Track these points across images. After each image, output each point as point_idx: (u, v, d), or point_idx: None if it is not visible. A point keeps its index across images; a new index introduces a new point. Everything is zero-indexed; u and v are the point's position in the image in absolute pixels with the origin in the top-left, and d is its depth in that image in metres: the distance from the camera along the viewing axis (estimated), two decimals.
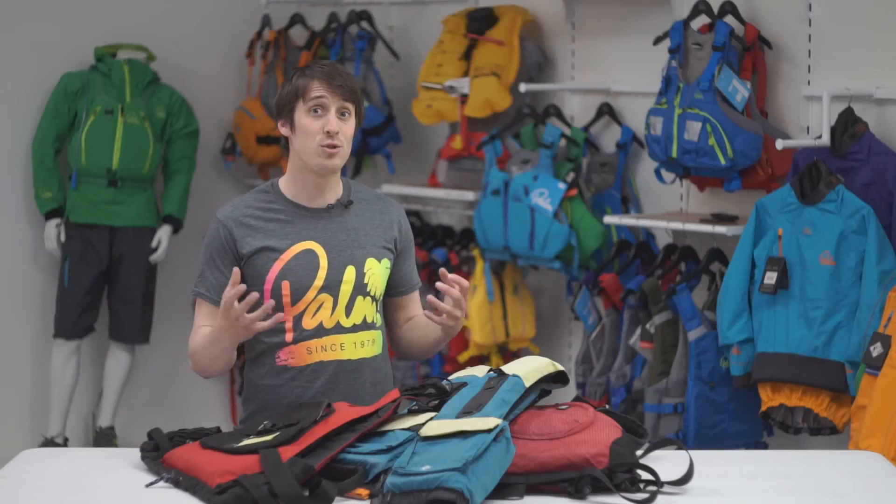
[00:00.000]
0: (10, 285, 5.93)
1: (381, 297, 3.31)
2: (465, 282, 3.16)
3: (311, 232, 3.24)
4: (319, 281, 3.21)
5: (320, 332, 3.22)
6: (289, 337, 3.21)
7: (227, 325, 3.06)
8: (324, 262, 3.22)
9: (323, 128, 3.18)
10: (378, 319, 3.30)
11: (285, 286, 3.19)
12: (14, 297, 5.94)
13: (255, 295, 3.04)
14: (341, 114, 3.21)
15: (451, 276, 3.15)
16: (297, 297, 3.20)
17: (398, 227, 3.34)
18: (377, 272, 3.27)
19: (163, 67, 6.03)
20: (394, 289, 3.36)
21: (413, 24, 6.04)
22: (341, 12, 6.03)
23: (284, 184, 3.29)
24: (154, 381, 6.30)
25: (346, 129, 3.21)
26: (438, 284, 3.16)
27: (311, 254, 3.22)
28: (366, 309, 3.25)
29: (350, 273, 3.23)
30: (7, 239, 5.91)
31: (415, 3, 6.00)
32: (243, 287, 3.03)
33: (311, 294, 3.20)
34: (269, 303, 3.04)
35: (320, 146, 3.18)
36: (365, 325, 3.26)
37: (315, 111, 3.19)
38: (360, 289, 3.24)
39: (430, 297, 3.18)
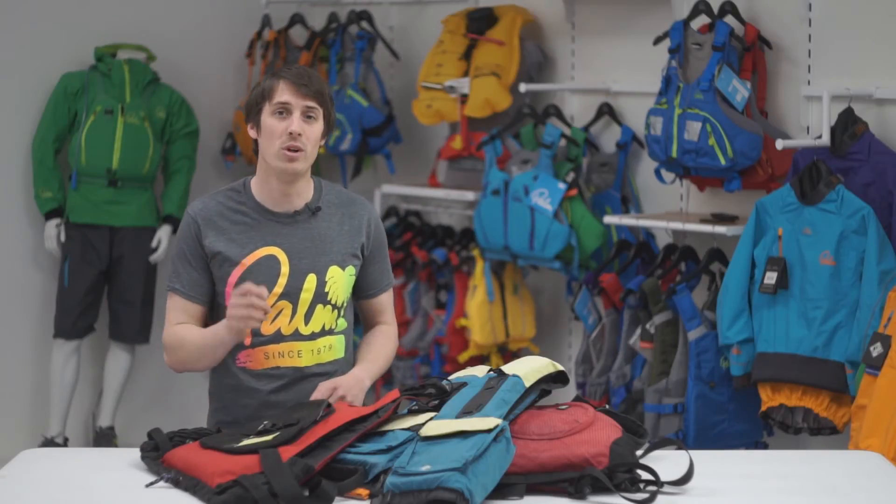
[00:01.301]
0: (10, 285, 5.93)
1: (345, 303, 3.30)
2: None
3: (276, 237, 3.24)
4: (279, 288, 3.21)
5: (278, 338, 3.23)
6: (247, 340, 3.23)
7: (232, 326, 3.10)
8: (285, 268, 3.22)
9: (286, 129, 3.17)
10: (341, 324, 3.30)
11: None
12: (14, 297, 5.94)
13: (264, 290, 3.07)
14: (307, 116, 3.19)
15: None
16: None
17: (367, 230, 3.32)
18: (340, 280, 3.26)
19: (163, 67, 6.02)
20: (363, 291, 3.36)
21: (413, 24, 6.04)
22: (341, 12, 6.03)
23: (255, 185, 3.29)
24: (154, 381, 6.30)
25: (311, 132, 3.20)
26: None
27: (273, 259, 3.23)
28: (325, 317, 3.26)
29: (311, 281, 3.23)
30: (7, 239, 5.91)
31: (415, 3, 6.00)
32: (264, 293, 3.06)
33: (270, 301, 3.18)
34: (266, 301, 3.07)
35: (282, 149, 3.17)
36: (323, 332, 3.27)
37: (280, 113, 3.19)
38: (320, 297, 3.24)
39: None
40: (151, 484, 2.81)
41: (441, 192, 5.57)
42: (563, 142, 5.09)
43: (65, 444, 5.86)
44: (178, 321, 3.25)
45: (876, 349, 3.92)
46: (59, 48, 5.90)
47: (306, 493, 2.65)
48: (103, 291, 5.91)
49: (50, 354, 5.86)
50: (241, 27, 6.31)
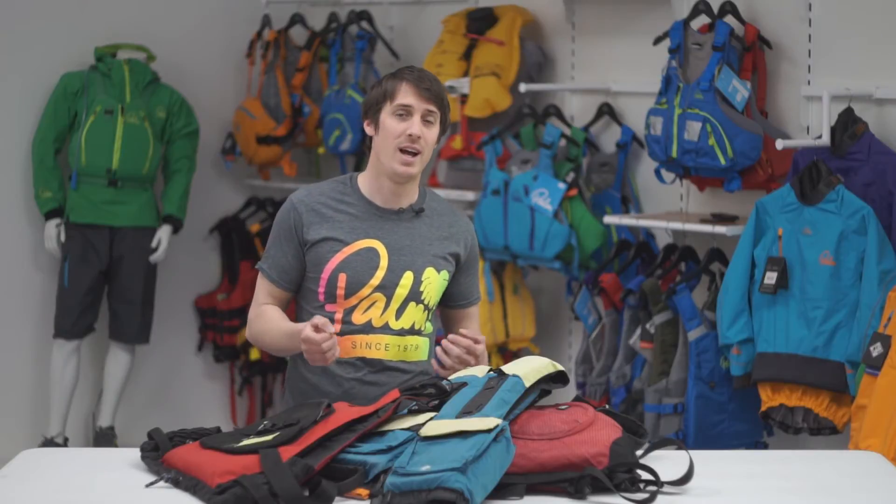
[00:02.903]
0: (10, 285, 5.93)
1: (434, 307, 3.35)
2: (479, 337, 3.16)
3: (378, 231, 3.29)
4: (376, 280, 3.27)
5: (368, 329, 3.28)
6: (336, 328, 3.26)
7: (300, 345, 3.15)
8: (384, 262, 3.27)
9: (406, 130, 3.23)
10: (428, 328, 3.35)
11: (342, 278, 3.26)
12: (14, 297, 5.94)
13: (336, 339, 3.12)
14: (425, 120, 3.25)
15: (468, 335, 3.16)
16: (351, 291, 3.26)
17: (464, 242, 3.38)
18: (434, 282, 3.32)
19: (163, 67, 6.02)
20: (451, 301, 3.41)
21: (413, 24, 6.04)
22: (341, 12, 6.03)
23: (362, 180, 3.35)
24: (154, 381, 6.30)
25: (429, 136, 3.26)
26: (450, 336, 3.18)
27: (372, 252, 3.28)
28: (416, 315, 3.30)
29: (408, 278, 3.28)
30: (7, 239, 5.91)
31: (415, 3, 6.00)
32: (332, 332, 3.11)
33: (365, 291, 3.26)
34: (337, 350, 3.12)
35: (398, 149, 3.23)
36: (412, 331, 3.31)
37: (400, 115, 3.24)
38: (414, 295, 3.29)
39: (438, 350, 3.19)
40: (151, 484, 2.81)
41: (441, 192, 5.55)
42: (563, 142, 5.09)
43: (65, 444, 5.85)
44: (264, 301, 3.34)
45: (876, 349, 3.92)
46: (59, 48, 5.90)
47: (306, 493, 2.65)
48: (103, 291, 5.91)
49: (50, 354, 5.86)
50: (241, 27, 6.31)
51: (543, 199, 4.98)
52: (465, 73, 5.38)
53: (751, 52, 4.53)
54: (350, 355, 3.28)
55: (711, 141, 4.41)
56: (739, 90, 4.44)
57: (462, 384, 2.90)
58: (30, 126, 5.86)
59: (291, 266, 3.31)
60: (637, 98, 5.05)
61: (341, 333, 3.28)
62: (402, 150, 3.24)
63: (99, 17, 6.02)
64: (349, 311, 3.28)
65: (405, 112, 3.24)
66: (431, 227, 3.34)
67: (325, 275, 3.27)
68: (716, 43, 4.48)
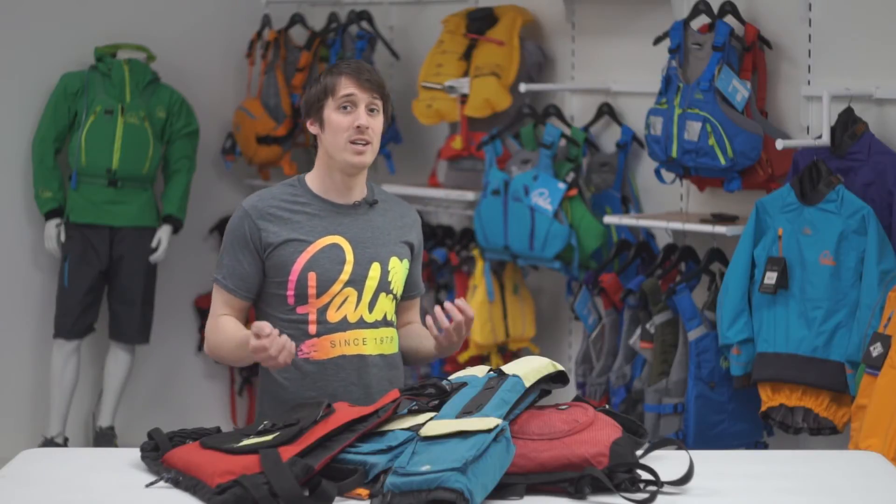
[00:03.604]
0: (10, 285, 5.93)
1: (399, 296, 3.35)
2: (470, 312, 3.21)
3: (338, 227, 3.28)
4: (345, 275, 3.25)
5: (344, 325, 3.26)
6: (312, 329, 3.24)
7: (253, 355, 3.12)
8: (350, 256, 3.26)
9: (353, 123, 3.22)
10: (395, 318, 3.35)
11: (311, 277, 3.23)
12: (14, 297, 5.94)
13: (285, 338, 3.09)
14: (370, 110, 3.25)
15: (459, 303, 3.19)
16: (322, 289, 3.23)
17: (415, 232, 3.40)
18: (399, 271, 3.32)
19: (163, 67, 6.03)
20: (406, 292, 3.40)
21: (413, 24, 6.04)
22: (341, 12, 6.04)
23: (311, 180, 3.33)
24: (154, 381, 6.30)
25: (376, 125, 3.25)
26: (447, 304, 3.20)
27: (337, 248, 3.26)
28: (387, 306, 3.30)
29: (375, 269, 3.27)
30: (7, 239, 5.91)
31: (415, 3, 6.01)
32: (274, 335, 3.07)
33: (336, 287, 3.24)
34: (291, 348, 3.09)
35: (349, 142, 3.22)
36: (385, 322, 3.30)
37: (345, 108, 3.24)
38: (383, 286, 3.28)
39: (438, 310, 3.21)
40: (151, 484, 2.81)
41: (441, 192, 5.57)
42: (563, 142, 5.09)
43: (65, 444, 5.86)
44: (221, 313, 3.29)
45: (876, 349, 3.92)
46: (59, 48, 5.91)
47: (306, 493, 2.65)
48: (103, 291, 5.91)
49: (50, 354, 5.86)
50: (241, 27, 6.32)
51: (543, 199, 4.98)
52: (465, 73, 5.38)
53: (751, 52, 4.53)
54: (330, 355, 3.25)
55: (711, 141, 4.41)
56: (739, 90, 4.44)
57: (462, 384, 2.90)
58: (30, 126, 5.86)
59: (248, 274, 3.26)
60: (637, 98, 5.05)
61: (318, 334, 3.24)
62: (353, 142, 3.22)
63: (99, 17, 6.02)
64: (323, 311, 3.24)
65: (350, 104, 3.23)
66: (387, 217, 3.33)
67: (294, 276, 3.23)
68: (716, 43, 4.48)
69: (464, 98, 5.34)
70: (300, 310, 3.24)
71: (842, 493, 2.81)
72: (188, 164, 6.00)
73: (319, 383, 3.24)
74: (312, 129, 3.29)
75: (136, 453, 2.97)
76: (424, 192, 5.68)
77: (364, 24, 5.88)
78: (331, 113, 3.24)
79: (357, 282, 3.25)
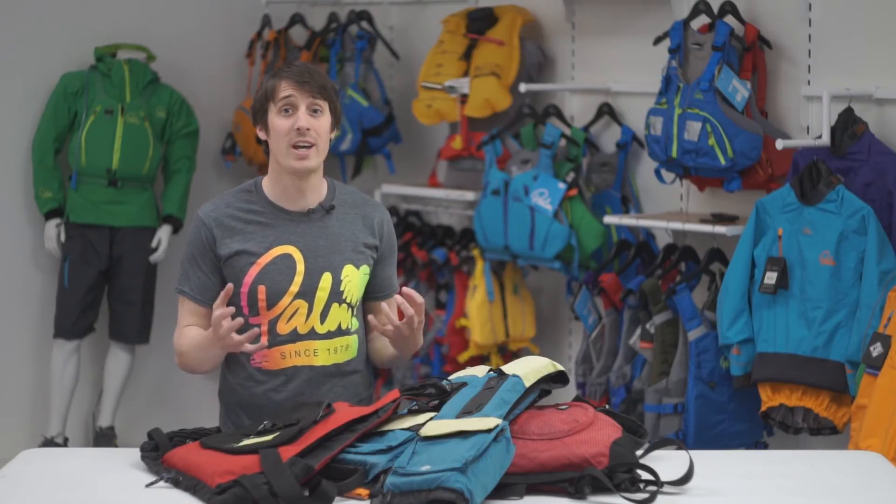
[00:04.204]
0: (10, 285, 5.93)
1: (358, 303, 3.31)
2: (419, 298, 3.15)
3: (291, 236, 3.24)
4: (295, 287, 3.21)
5: (294, 337, 3.23)
6: (263, 340, 3.22)
7: (216, 339, 3.09)
8: (301, 267, 3.22)
9: (293, 125, 3.17)
10: (354, 324, 3.30)
11: (261, 290, 3.20)
12: (14, 297, 5.94)
13: (240, 320, 3.07)
14: (312, 111, 3.19)
15: (406, 290, 3.15)
16: (272, 301, 3.21)
17: (380, 232, 3.33)
18: (354, 279, 3.27)
19: (163, 67, 6.03)
20: (370, 293, 3.35)
21: (413, 24, 6.04)
22: (341, 12, 6.04)
23: (266, 184, 3.29)
24: (154, 381, 6.30)
25: (319, 126, 3.19)
26: (396, 297, 3.16)
27: (288, 258, 3.22)
28: (341, 316, 3.25)
29: (326, 280, 3.23)
30: (7, 239, 5.91)
31: (415, 3, 6.01)
32: (231, 309, 3.06)
33: (286, 300, 3.20)
34: (254, 331, 3.08)
35: (290, 146, 3.18)
36: (339, 332, 3.26)
37: (286, 111, 3.19)
38: (335, 296, 3.24)
39: (384, 306, 3.18)
40: (151, 484, 2.81)
41: (441, 192, 5.57)
42: (563, 142, 5.09)
43: (65, 444, 5.86)
44: (187, 323, 3.27)
45: (876, 349, 3.92)
46: (59, 48, 5.90)
47: (306, 493, 2.65)
48: (103, 291, 5.91)
49: (50, 354, 5.86)
50: (241, 27, 6.31)
51: (543, 199, 4.98)
52: (465, 73, 5.38)
53: (751, 52, 4.53)
54: (281, 366, 3.23)
55: (711, 141, 4.41)
56: (739, 90, 4.44)
57: (462, 384, 2.90)
58: (30, 126, 5.86)
59: (212, 282, 3.24)
60: (637, 98, 5.05)
61: (270, 345, 3.22)
62: (295, 147, 3.18)
63: (99, 17, 6.02)
64: (273, 322, 3.22)
65: (290, 107, 3.19)
66: (344, 222, 3.27)
67: (245, 289, 3.21)
68: (716, 43, 4.48)
69: (464, 98, 5.34)
70: (253, 320, 3.22)
71: (842, 493, 2.81)
72: (188, 164, 6.00)
73: (270, 393, 3.23)
74: (261, 134, 3.25)
75: (136, 453, 2.97)
76: (424, 192, 5.68)
77: (364, 24, 5.88)
78: (273, 117, 3.20)
79: (307, 294, 3.22)
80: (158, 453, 2.93)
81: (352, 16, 5.90)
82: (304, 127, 3.17)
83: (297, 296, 3.21)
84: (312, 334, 3.23)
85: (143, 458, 2.94)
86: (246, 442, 2.84)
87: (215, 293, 3.22)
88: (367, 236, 3.30)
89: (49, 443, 5.80)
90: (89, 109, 5.75)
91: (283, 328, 3.22)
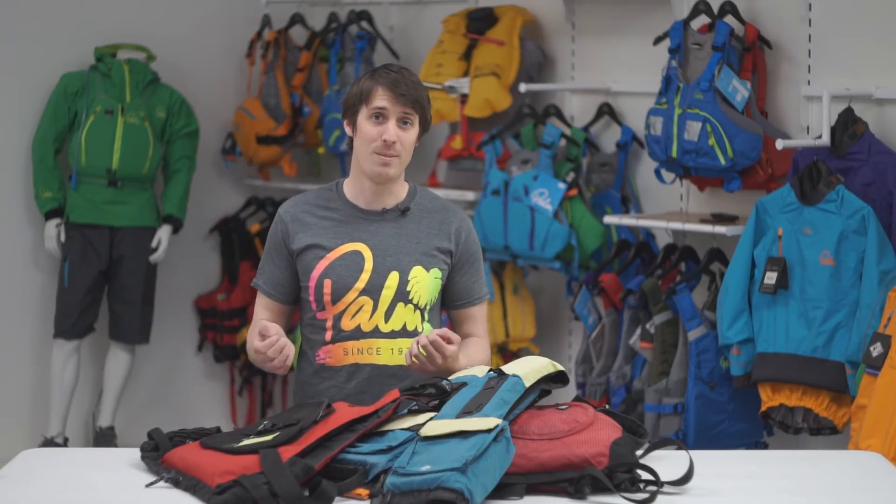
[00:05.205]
0: (10, 285, 5.93)
1: (428, 306, 3.31)
2: (447, 351, 3.10)
3: (362, 234, 3.27)
4: (361, 283, 3.25)
5: (357, 334, 3.26)
6: (327, 336, 3.27)
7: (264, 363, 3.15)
8: (368, 264, 3.25)
9: (381, 135, 3.20)
10: (426, 328, 3.30)
11: (327, 284, 3.25)
12: (14, 297, 5.94)
13: (285, 344, 3.11)
14: (402, 122, 3.22)
15: (443, 332, 3.10)
16: (337, 296, 3.25)
17: (457, 239, 3.33)
18: (423, 281, 3.28)
19: (163, 67, 6.02)
20: (450, 301, 3.37)
21: (413, 24, 6.04)
22: (341, 12, 6.04)
23: (347, 184, 3.34)
24: (154, 381, 6.30)
25: (406, 138, 3.23)
26: (423, 337, 3.12)
27: (357, 255, 3.26)
28: (407, 316, 3.27)
29: (393, 279, 3.26)
30: (7, 239, 5.91)
31: (415, 3, 6.01)
32: (274, 339, 3.09)
33: (351, 295, 3.24)
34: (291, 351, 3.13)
35: (374, 153, 3.21)
36: (405, 333, 3.28)
37: (376, 118, 3.22)
38: (401, 295, 3.26)
39: (422, 339, 3.12)
40: (151, 484, 2.81)
41: (441, 192, 5.55)
42: (563, 142, 5.09)
43: (65, 444, 5.86)
44: (261, 317, 3.32)
45: (876, 349, 3.92)
46: (59, 48, 5.90)
47: (306, 493, 2.65)
48: (103, 291, 5.91)
49: (50, 354, 5.86)
50: (241, 27, 6.31)
51: (543, 199, 4.98)
52: (465, 73, 5.38)
53: (751, 52, 4.53)
54: (343, 362, 3.26)
55: (711, 141, 4.41)
56: (739, 90, 4.44)
57: (462, 384, 2.90)
58: (30, 126, 5.86)
59: (285, 278, 3.31)
60: (637, 98, 5.05)
61: (332, 341, 3.27)
62: (379, 154, 3.21)
63: (99, 17, 6.02)
64: (338, 318, 3.26)
65: (381, 115, 3.21)
66: (420, 225, 3.30)
67: (312, 283, 3.26)
68: (716, 43, 4.48)
69: (464, 98, 5.34)
70: (319, 315, 3.28)
71: (842, 493, 2.81)
72: (188, 164, 5.99)
73: (333, 390, 3.26)
74: (348, 129, 3.30)
75: (136, 453, 2.97)
76: None
77: (364, 24, 5.89)
78: (363, 121, 3.23)
79: (373, 291, 3.25)
80: (158, 453, 2.92)
81: (352, 16, 5.90)
82: (390, 140, 3.20)
83: (363, 292, 3.24)
84: (376, 332, 3.26)
85: (143, 458, 2.94)
86: (246, 442, 2.84)
87: (287, 288, 3.30)
88: (442, 241, 3.31)
89: (49, 443, 5.80)
90: (89, 109, 5.75)
91: (348, 324, 3.26)
